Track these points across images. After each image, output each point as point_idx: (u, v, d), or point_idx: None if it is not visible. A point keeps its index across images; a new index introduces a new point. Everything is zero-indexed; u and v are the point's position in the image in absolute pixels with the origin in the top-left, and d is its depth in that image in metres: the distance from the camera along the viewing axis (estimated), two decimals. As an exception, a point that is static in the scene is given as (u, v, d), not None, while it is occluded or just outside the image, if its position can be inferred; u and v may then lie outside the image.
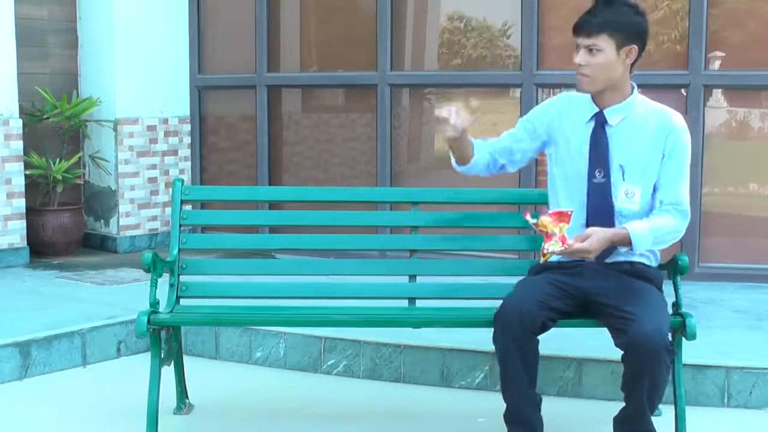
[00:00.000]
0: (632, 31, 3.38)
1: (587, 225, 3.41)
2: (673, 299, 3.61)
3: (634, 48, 3.39)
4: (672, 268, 3.62)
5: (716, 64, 5.83)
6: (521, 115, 5.95)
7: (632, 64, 3.44)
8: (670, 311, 3.56)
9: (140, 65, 6.95)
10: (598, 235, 3.30)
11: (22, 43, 6.52)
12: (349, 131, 6.92)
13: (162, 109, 7.11)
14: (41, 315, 5.00)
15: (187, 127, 7.27)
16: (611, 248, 3.42)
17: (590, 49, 3.37)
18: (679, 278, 3.63)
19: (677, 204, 3.43)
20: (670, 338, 3.48)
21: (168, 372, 3.88)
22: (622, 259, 3.46)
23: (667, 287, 3.57)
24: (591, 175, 3.46)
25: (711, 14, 5.71)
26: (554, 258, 3.55)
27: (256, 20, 6.87)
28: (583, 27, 3.39)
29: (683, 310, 3.56)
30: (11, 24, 6.36)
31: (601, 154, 3.45)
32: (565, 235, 3.26)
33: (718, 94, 5.89)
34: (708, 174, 5.80)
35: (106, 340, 4.83)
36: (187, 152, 7.28)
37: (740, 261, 5.83)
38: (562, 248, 3.26)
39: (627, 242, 3.34)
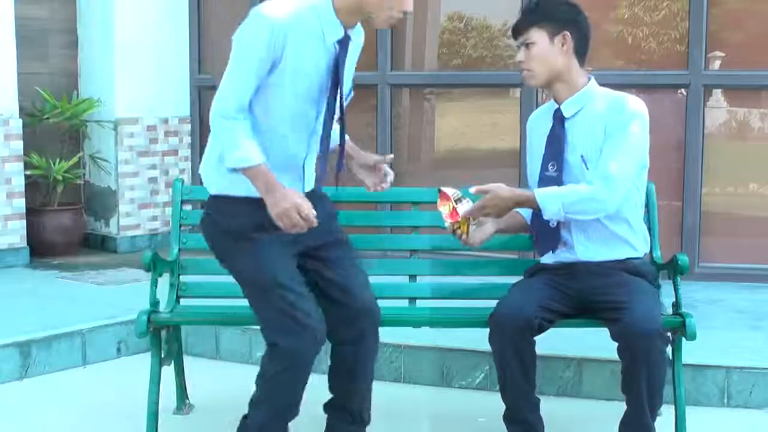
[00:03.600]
0: (560, 19, 3.42)
1: (534, 218, 3.48)
2: (673, 299, 3.61)
3: (567, 34, 3.41)
4: (672, 268, 3.62)
5: (716, 64, 5.83)
6: (521, 116, 6.00)
7: (581, 55, 3.45)
8: (670, 311, 3.57)
9: (140, 65, 6.94)
10: (495, 189, 3.34)
11: (22, 43, 6.52)
12: (349, 131, 6.89)
13: (162, 109, 7.10)
14: (41, 315, 4.99)
15: (188, 127, 7.27)
16: (556, 242, 3.46)
17: (526, 45, 3.45)
18: (679, 278, 3.62)
19: (604, 175, 3.32)
20: (670, 336, 3.50)
21: (168, 372, 3.88)
22: (614, 257, 3.46)
23: (667, 287, 3.58)
24: (544, 168, 3.48)
25: (711, 14, 5.71)
26: (548, 260, 3.56)
27: (256, 20, 6.85)
28: (515, 28, 3.50)
29: (683, 310, 3.55)
30: (11, 24, 6.36)
31: (556, 148, 3.46)
32: (458, 210, 3.35)
33: (718, 94, 5.89)
34: (708, 174, 5.80)
35: (106, 340, 4.83)
36: (188, 152, 7.28)
37: (740, 261, 5.82)
38: (451, 223, 3.38)
39: (535, 205, 3.35)
